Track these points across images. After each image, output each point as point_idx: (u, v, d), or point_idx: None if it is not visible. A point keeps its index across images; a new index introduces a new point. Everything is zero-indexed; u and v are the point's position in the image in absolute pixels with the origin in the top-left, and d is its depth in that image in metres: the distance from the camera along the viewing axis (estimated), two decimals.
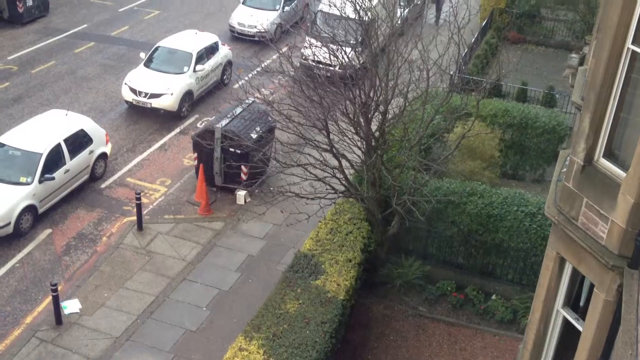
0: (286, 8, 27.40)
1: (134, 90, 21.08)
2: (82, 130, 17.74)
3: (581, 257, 8.02)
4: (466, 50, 20.89)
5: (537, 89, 22.57)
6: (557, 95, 22.21)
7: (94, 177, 18.19)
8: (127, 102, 21.42)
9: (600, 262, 7.56)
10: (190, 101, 21.74)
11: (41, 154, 16.41)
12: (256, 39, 25.88)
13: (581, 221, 7.86)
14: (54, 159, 16.71)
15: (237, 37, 26.74)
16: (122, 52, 25.29)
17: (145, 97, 20.96)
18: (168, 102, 20.95)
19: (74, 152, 17.28)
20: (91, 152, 17.87)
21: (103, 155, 18.40)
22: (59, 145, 16.92)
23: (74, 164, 17.29)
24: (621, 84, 7.50)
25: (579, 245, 7.90)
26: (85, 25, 27.25)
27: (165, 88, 20.95)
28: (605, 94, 7.60)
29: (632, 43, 7.30)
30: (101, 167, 18.41)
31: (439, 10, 26.40)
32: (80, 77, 23.53)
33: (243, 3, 27.61)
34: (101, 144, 18.28)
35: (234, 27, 26.90)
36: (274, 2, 27.40)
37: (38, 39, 25.84)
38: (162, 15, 28.80)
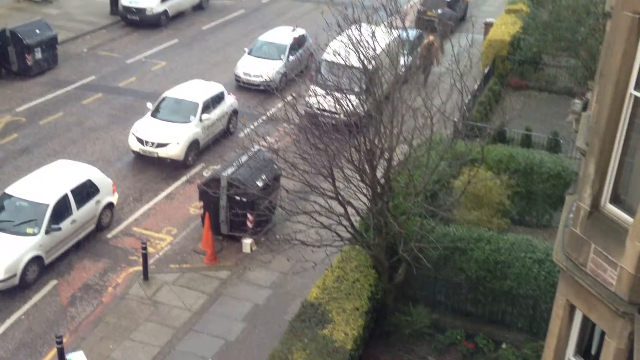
0: (291, 57, 27.77)
1: (140, 140, 21.26)
2: (89, 180, 17.84)
3: (591, 304, 7.92)
4: (469, 97, 21.07)
5: (541, 134, 22.63)
6: (561, 141, 22.24)
7: (100, 227, 18.20)
8: (134, 151, 21.58)
9: (610, 309, 7.47)
10: (197, 150, 21.89)
11: (48, 205, 16.47)
12: (261, 88, 26.19)
13: (590, 267, 7.79)
14: (61, 210, 16.75)
15: (243, 87, 27.05)
16: (130, 102, 25.59)
17: (152, 146, 21.12)
18: (174, 151, 21.09)
19: (81, 202, 17.34)
20: (98, 202, 17.92)
21: (110, 205, 18.45)
22: (66, 195, 16.98)
23: (81, 214, 17.32)
24: (625, 129, 7.53)
25: (589, 292, 7.81)
26: (93, 77, 27.64)
27: (172, 137, 21.12)
28: (609, 139, 7.62)
29: (635, 89, 7.36)
30: (108, 217, 18.44)
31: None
32: (88, 127, 23.77)
33: (249, 53, 28.01)
34: (108, 194, 18.34)
35: (239, 77, 27.23)
36: (279, 52, 27.79)
37: (47, 90, 26.20)
38: (169, 66, 29.22)
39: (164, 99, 22.63)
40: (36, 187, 17.04)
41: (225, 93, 23.63)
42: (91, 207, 17.69)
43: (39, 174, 17.80)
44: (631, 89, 7.38)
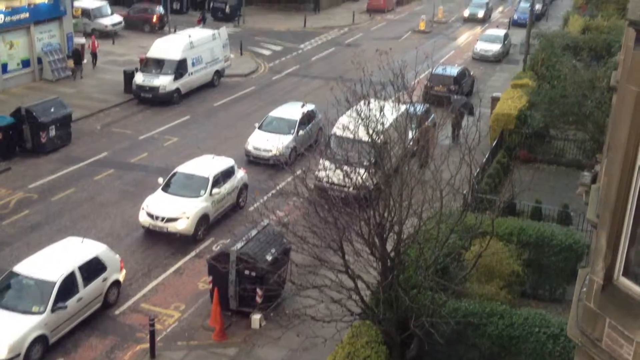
0: (300, 132, 28.14)
1: (150, 215, 21.36)
2: (96, 257, 17.81)
3: None
4: (478, 169, 21.14)
5: (551, 207, 22.58)
6: (572, 213, 22.15)
7: (107, 304, 18.04)
8: (143, 227, 21.64)
9: None
10: (206, 225, 21.92)
11: (55, 283, 16.39)
12: (271, 162, 26.45)
13: (605, 343, 7.60)
14: (68, 287, 16.66)
15: (253, 161, 27.32)
16: (141, 177, 25.84)
17: (162, 221, 21.19)
18: (184, 225, 21.13)
19: (87, 280, 17.25)
20: (105, 279, 17.84)
21: (116, 283, 18.34)
22: (72, 273, 16.92)
23: (87, 291, 17.21)
24: (635, 201, 7.49)
25: None
26: (105, 153, 28.04)
27: (181, 212, 21.19)
28: (620, 211, 7.58)
29: None
30: (114, 294, 18.29)
31: (458, 129, 26.92)
32: (99, 203, 23.93)
33: (259, 128, 28.42)
34: (115, 271, 18.27)
35: (249, 152, 27.54)
36: (289, 127, 28.18)
37: (59, 167, 26.55)
38: (181, 141, 29.65)
39: (174, 173, 22.87)
40: (43, 265, 16.99)
41: (236, 167, 23.87)
42: (98, 284, 17.59)
43: (47, 251, 17.79)
44: None
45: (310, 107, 29.47)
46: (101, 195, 24.57)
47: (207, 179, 22.29)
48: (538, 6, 54.95)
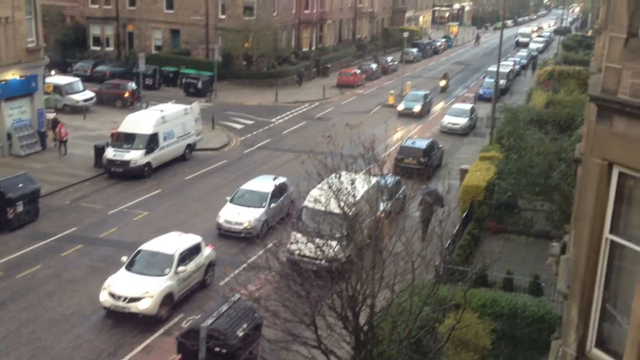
0: (272, 205, 28.13)
1: (112, 295, 20.63)
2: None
3: None
4: (449, 241, 21.23)
5: (522, 277, 22.66)
6: (543, 284, 22.25)
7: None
8: (105, 307, 20.85)
9: None
10: (171, 304, 21.21)
11: None
12: (243, 235, 26.25)
13: None
14: None
15: (224, 235, 27.11)
16: (110, 253, 25.39)
17: (124, 301, 20.49)
18: (147, 306, 20.40)
19: None
20: None
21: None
22: None
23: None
24: (604, 272, 7.56)
25: None
26: (74, 229, 27.61)
27: (144, 292, 20.53)
28: (589, 282, 7.63)
29: (610, 232, 7.47)
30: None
31: (427, 224, 23.12)
32: (66, 280, 23.39)
33: (230, 201, 28.36)
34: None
35: (221, 225, 27.35)
36: (260, 200, 28.16)
37: (26, 243, 26.02)
38: (151, 215, 29.39)
39: (139, 251, 22.22)
40: None
41: (203, 244, 23.29)
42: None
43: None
44: (606, 233, 7.49)
45: (281, 180, 29.60)
46: (68, 271, 24.04)
47: (173, 257, 21.61)
48: (502, 81, 56.73)
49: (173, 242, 22.65)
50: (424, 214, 24.69)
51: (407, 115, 49.90)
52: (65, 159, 36.16)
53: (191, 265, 22.15)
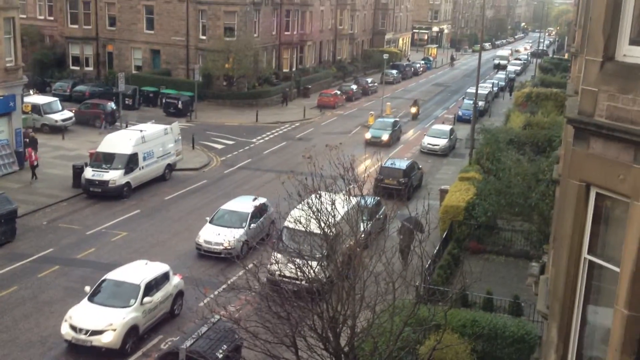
0: (252, 225, 28.04)
1: (73, 328, 19.78)
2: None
3: None
4: (429, 261, 21.25)
5: (502, 297, 22.74)
6: (522, 304, 22.34)
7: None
8: (66, 340, 19.94)
9: None
10: (136, 337, 20.42)
11: None
12: (222, 256, 26.10)
13: None
14: None
15: (204, 255, 26.95)
16: (87, 274, 25.08)
17: (85, 334, 19.62)
18: (110, 339, 19.54)
19: None
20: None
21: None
22: None
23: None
24: (583, 292, 7.62)
25: None
26: (51, 249, 27.27)
27: (108, 324, 19.68)
28: (568, 303, 7.69)
29: (588, 253, 7.54)
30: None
31: (407, 252, 22.78)
32: (42, 301, 23.05)
33: (210, 221, 28.22)
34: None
35: (200, 245, 27.19)
36: (240, 220, 28.07)
37: (2, 264, 25.62)
38: (130, 236, 29.13)
39: (103, 280, 21.44)
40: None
41: (171, 273, 22.58)
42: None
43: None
44: (585, 254, 7.56)
45: (261, 200, 29.53)
46: (45, 293, 23.70)
47: (139, 287, 20.84)
48: (481, 103, 57.35)
49: (139, 271, 21.81)
50: (404, 242, 23.68)
51: (374, 144, 45.65)
52: (39, 180, 35.59)
53: (158, 296, 21.35)
